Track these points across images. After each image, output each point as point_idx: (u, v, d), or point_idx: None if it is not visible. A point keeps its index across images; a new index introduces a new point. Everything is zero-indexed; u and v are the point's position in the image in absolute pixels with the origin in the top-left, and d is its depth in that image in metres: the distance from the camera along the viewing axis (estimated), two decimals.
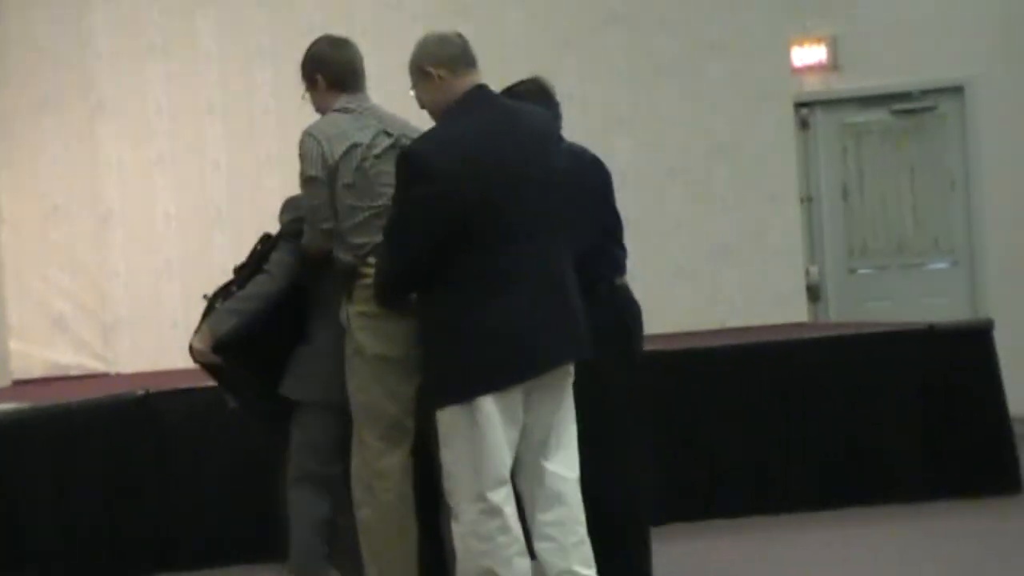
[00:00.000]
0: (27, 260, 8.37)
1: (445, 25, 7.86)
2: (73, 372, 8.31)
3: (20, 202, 8.38)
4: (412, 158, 4.06)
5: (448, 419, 4.10)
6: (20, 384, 7.97)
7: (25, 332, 8.31)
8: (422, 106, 4.29)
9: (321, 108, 4.77)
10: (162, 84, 8.43)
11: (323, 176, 4.54)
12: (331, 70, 4.75)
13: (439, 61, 4.16)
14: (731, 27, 8.77)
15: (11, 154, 8.38)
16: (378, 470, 4.52)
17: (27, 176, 8.38)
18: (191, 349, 4.73)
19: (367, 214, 4.54)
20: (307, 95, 4.81)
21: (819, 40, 9.49)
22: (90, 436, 5.98)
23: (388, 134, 4.64)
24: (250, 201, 8.20)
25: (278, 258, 4.74)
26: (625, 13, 8.74)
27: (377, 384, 4.51)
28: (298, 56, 4.80)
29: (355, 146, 4.57)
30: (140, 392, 6.24)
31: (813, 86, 9.53)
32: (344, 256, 4.56)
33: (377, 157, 4.58)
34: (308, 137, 4.59)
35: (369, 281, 4.44)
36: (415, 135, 4.64)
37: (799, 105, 9.38)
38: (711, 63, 8.76)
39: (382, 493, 4.53)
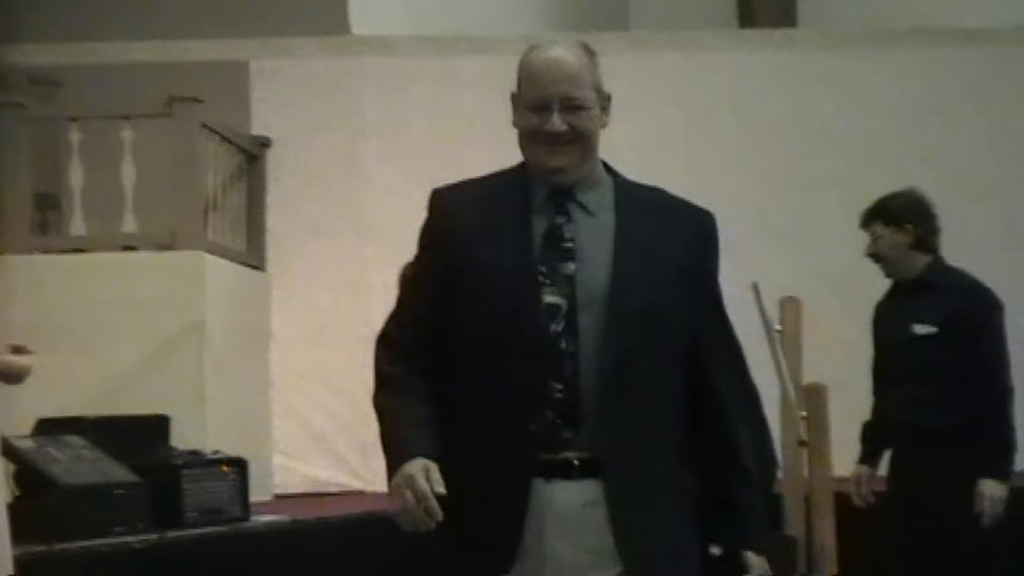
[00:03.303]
0: (292, 378, 8.64)
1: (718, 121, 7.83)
2: (332, 489, 8.49)
3: (289, 322, 8.68)
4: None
5: None
6: (281, 498, 8.18)
7: (288, 447, 8.54)
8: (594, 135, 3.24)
9: None
10: None
11: None
12: None
13: None
14: None
15: (283, 276, 8.71)
16: None
17: (296, 297, 8.69)
18: None
19: None
20: None
21: None
22: (347, 551, 6.08)
23: None
24: None
25: None
26: None
27: None
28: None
29: None
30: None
31: None
32: None
33: None
34: None
35: None
36: None
37: None
38: None
39: None
